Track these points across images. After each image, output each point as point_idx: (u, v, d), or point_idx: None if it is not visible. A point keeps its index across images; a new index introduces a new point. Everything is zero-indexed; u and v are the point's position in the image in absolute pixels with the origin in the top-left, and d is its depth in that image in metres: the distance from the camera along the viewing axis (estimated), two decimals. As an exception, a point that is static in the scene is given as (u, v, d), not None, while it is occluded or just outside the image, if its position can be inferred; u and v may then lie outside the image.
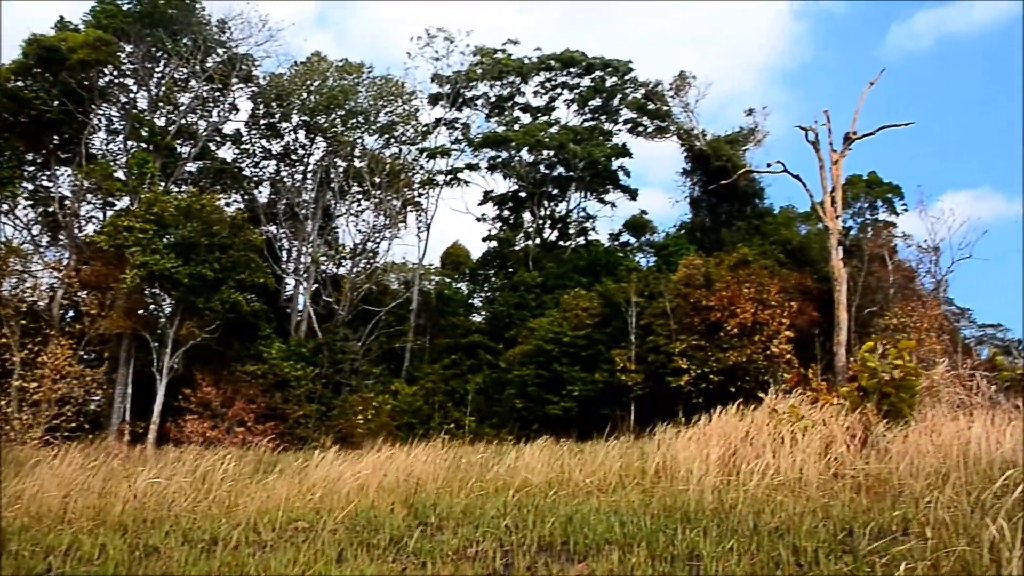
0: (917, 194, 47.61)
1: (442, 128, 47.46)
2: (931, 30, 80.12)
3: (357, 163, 43.07)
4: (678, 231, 44.89)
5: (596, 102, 49.26)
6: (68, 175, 36.94)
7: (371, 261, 43.08)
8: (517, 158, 47.59)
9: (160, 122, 38.44)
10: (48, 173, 37.26)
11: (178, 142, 38.77)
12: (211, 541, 7.36)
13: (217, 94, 40.27)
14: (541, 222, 48.46)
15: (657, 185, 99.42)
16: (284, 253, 42.99)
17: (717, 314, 31.36)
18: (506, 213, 49.37)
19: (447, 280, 46.81)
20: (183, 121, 39.21)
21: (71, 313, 34.62)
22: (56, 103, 33.86)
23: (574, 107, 49.76)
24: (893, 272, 39.69)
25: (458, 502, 9.44)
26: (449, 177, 47.23)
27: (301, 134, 43.08)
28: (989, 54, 78.05)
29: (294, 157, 43.73)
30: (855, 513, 7.55)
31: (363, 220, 44.17)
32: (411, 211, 44.97)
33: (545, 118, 49.34)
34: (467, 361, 37.58)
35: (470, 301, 46.29)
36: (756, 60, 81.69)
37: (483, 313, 44.76)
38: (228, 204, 40.88)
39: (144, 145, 36.82)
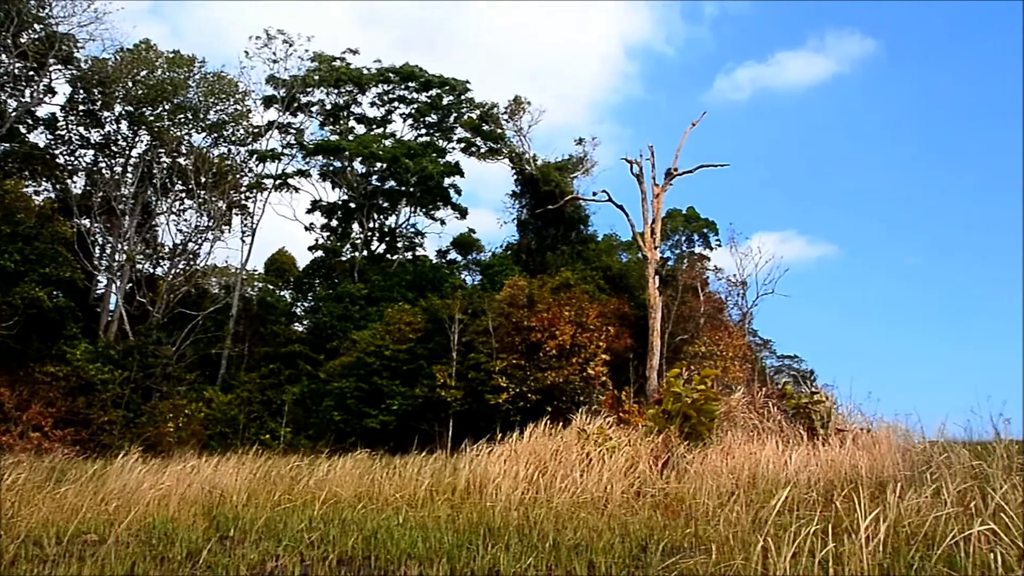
0: (729, 231, 50.61)
1: (274, 132, 46.48)
2: (750, 83, 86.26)
3: (182, 160, 41.19)
4: (504, 252, 45.66)
5: (432, 119, 49.64)
6: None
7: (191, 263, 41.27)
8: (349, 168, 47.18)
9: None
10: None
11: (-19, 121, 35.85)
12: (-18, 556, 6.81)
13: (31, 73, 37.32)
14: (369, 234, 48.19)
15: (487, 205, 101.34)
16: (97, 249, 40.38)
17: (538, 335, 31.99)
18: (335, 223, 48.68)
19: (270, 287, 45.70)
20: (-12, 98, 36.28)
21: None
22: None
23: (410, 122, 50.02)
24: (704, 303, 41.49)
25: (263, 515, 9.33)
26: (278, 182, 46.29)
27: (123, 125, 40.66)
28: (800, 109, 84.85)
29: (114, 148, 41.08)
30: (652, 530, 8.09)
31: (185, 220, 42.16)
32: (236, 214, 43.68)
33: (380, 130, 49.29)
34: (286, 371, 36.87)
35: (293, 310, 45.37)
36: (589, 94, 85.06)
37: (305, 323, 43.93)
38: (37, 192, 38.31)
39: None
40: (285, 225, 77.85)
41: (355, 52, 48.25)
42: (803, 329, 73.26)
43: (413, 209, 49.34)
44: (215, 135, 43.43)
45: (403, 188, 47.40)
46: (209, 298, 40.96)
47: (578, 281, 36.56)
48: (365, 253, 47.02)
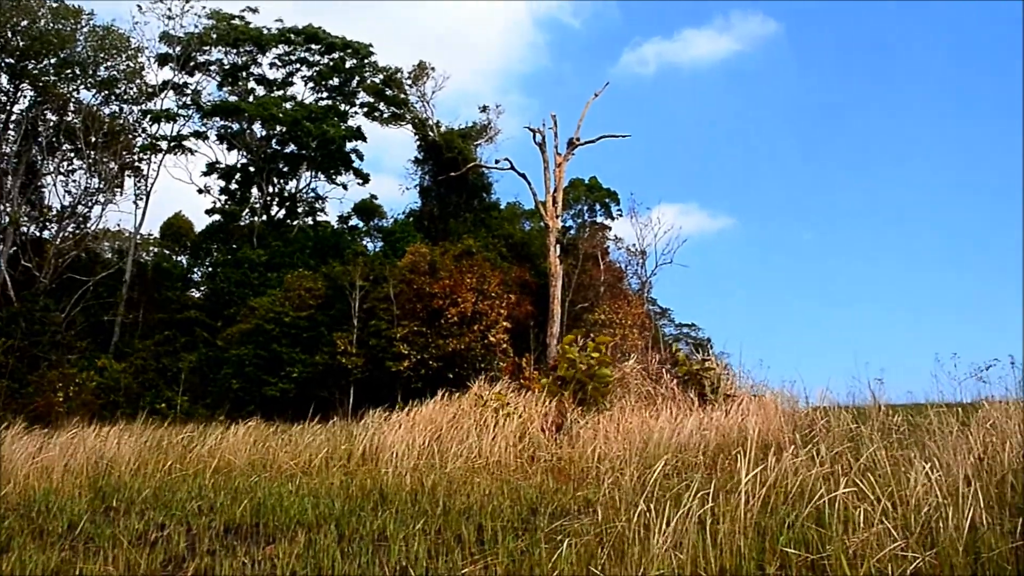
0: (630, 201, 51.38)
1: (170, 91, 44.85)
2: (656, 58, 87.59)
3: (70, 118, 39.56)
4: (406, 218, 45.50)
5: (334, 82, 48.74)
6: None
7: (81, 226, 39.76)
8: (248, 131, 46.00)
9: None
10: None
11: None
12: None
13: None
14: (269, 199, 47.19)
15: (390, 171, 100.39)
16: (-24, 210, 38.65)
17: (439, 302, 32.16)
18: (233, 187, 47.35)
19: (166, 252, 44.46)
20: None
21: None
22: None
23: (311, 85, 48.97)
24: (604, 271, 42.21)
25: (151, 485, 9.28)
26: (174, 144, 44.81)
27: (4, 79, 38.63)
28: (704, 85, 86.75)
29: (-6, 104, 39.24)
30: (543, 494, 8.38)
31: (74, 181, 40.43)
32: (129, 176, 42.15)
33: (281, 92, 48.13)
34: (182, 338, 36.06)
35: (189, 276, 44.25)
36: (495, 63, 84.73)
37: (203, 289, 42.89)
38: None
39: None
40: (181, 188, 75.36)
41: (255, 11, 46.85)
42: (702, 298, 75.70)
43: (314, 174, 48.54)
44: (106, 93, 41.62)
45: (304, 152, 46.56)
46: (101, 263, 39.58)
47: (480, 249, 36.79)
48: (265, 218, 46.11)
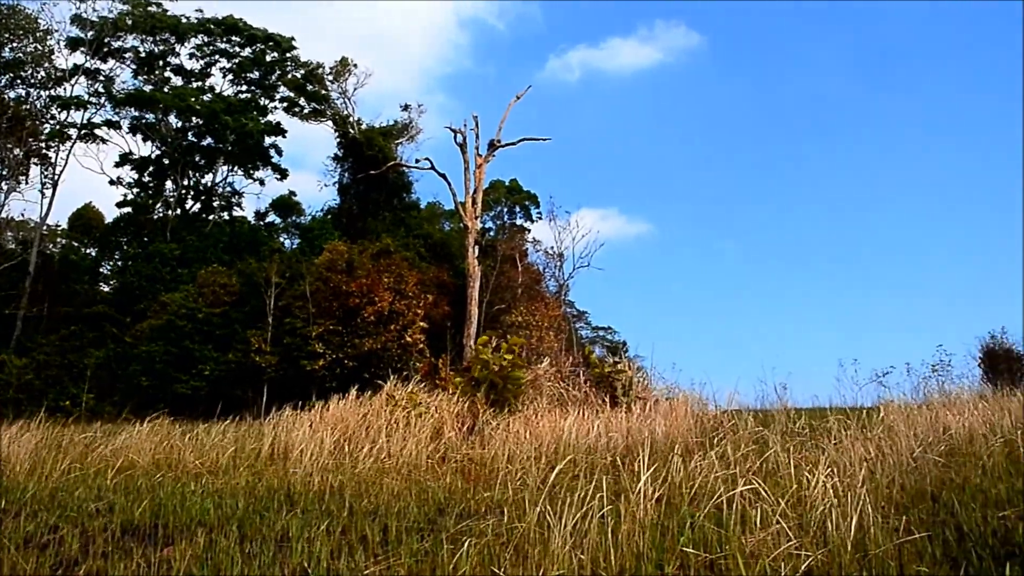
0: (549, 204, 51.99)
1: (81, 77, 43.41)
2: (581, 65, 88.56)
3: (-29, 101, 38.09)
4: (325, 216, 45.15)
5: (254, 75, 48.10)
6: None
7: (-18, 215, 38.35)
8: (164, 121, 44.96)
9: None
10: None
11: None
12: None
13: None
14: (184, 192, 46.18)
15: (309, 168, 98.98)
16: None
17: (356, 300, 31.99)
18: (146, 179, 46.18)
19: (74, 244, 43.05)
20: None
21: None
22: None
23: (230, 77, 48.25)
24: (522, 273, 42.58)
25: (48, 486, 9.03)
26: (84, 132, 43.40)
27: None
28: (628, 93, 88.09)
29: None
30: (452, 494, 8.43)
31: (-25, 167, 39.00)
32: (35, 164, 40.69)
33: (199, 84, 47.21)
34: (89, 333, 34.97)
35: (98, 269, 42.93)
36: (420, 63, 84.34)
37: (112, 283, 41.72)
38: None
39: None
40: (92, 179, 73.03)
41: (173, -1, 45.74)
42: (619, 302, 76.97)
43: (231, 168, 47.72)
44: (11, 75, 40.14)
45: (221, 146, 45.71)
46: (3, 254, 38.10)
47: (399, 248, 36.72)
48: (179, 212, 45.08)
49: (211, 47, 47.44)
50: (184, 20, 45.92)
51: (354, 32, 78.56)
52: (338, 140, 44.36)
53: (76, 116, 43.06)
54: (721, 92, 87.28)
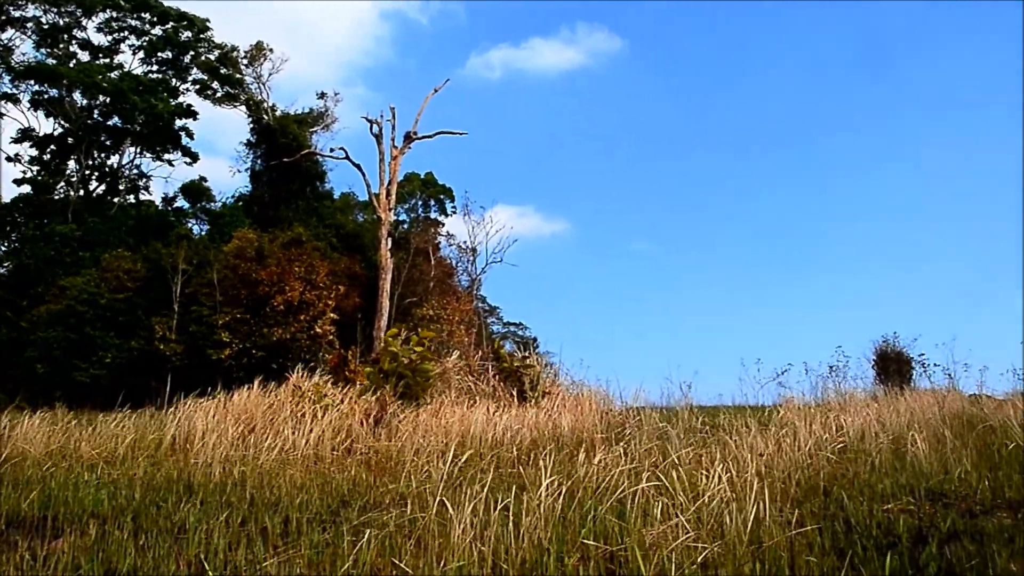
0: (464, 199, 51.87)
1: (-24, 47, 41.55)
2: (503, 64, 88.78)
3: None
4: (236, 202, 44.27)
5: (166, 55, 46.70)
6: None
7: None
8: (68, 98, 43.20)
9: None
10: None
11: None
12: None
13: None
14: (88, 172, 44.42)
15: (220, 153, 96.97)
16: None
17: (265, 289, 31.57)
18: (47, 157, 44.25)
19: (-35, 222, 41.14)
20: None
21: None
22: None
23: (141, 55, 46.68)
24: (435, 267, 42.54)
25: None
26: (-21, 104, 41.53)
27: None
28: (548, 93, 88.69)
29: None
30: (356, 486, 8.41)
31: None
32: (-74, 137, 38.85)
33: (107, 60, 45.59)
34: (-18, 317, 33.65)
35: (-8, 250, 41.19)
36: (338, 52, 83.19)
37: (6, 264, 39.96)
38: None
39: None
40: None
41: (80, -30, 43.98)
42: (532, 299, 77.56)
43: (139, 149, 46.19)
44: None
45: (129, 126, 44.25)
46: None
47: (310, 237, 36.30)
48: (82, 193, 43.42)
49: (120, 23, 45.80)
50: (92, -8, 44.20)
51: (273, 18, 76.93)
52: (251, 126, 43.53)
53: (-30, 87, 41.13)
54: (640, 96, 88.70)
